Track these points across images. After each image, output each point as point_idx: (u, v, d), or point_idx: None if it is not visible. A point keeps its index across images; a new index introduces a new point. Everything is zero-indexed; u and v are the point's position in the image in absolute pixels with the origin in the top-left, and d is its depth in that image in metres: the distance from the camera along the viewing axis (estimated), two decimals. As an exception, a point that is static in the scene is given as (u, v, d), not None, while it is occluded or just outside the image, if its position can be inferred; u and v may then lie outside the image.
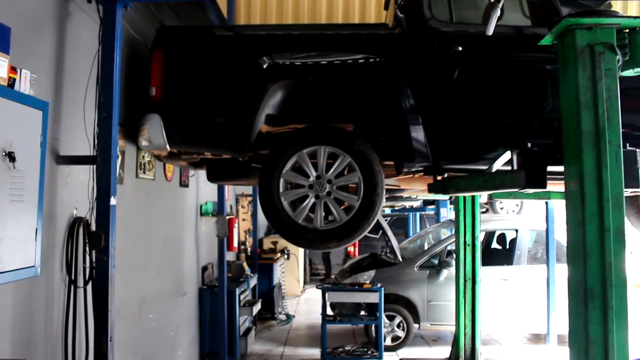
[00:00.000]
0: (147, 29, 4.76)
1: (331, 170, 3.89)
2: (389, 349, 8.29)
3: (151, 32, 4.28)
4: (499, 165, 3.79)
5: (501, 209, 11.30)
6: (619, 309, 2.66)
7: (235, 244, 8.61)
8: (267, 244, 12.11)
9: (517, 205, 11.37)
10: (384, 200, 3.93)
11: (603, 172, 2.76)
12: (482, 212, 11.33)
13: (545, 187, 3.33)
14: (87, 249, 3.57)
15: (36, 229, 2.83)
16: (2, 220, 2.56)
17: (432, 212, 13.23)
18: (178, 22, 5.67)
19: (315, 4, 6.61)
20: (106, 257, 3.37)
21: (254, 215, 10.95)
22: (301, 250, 13.38)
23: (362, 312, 8.21)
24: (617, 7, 6.36)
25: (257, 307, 8.68)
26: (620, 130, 2.80)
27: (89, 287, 3.61)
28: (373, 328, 8.17)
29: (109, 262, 3.37)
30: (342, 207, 3.93)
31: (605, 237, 2.72)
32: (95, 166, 3.45)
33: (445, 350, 7.45)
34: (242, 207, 10.53)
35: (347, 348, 8.13)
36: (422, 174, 4.16)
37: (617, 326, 2.65)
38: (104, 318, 3.36)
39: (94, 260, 3.52)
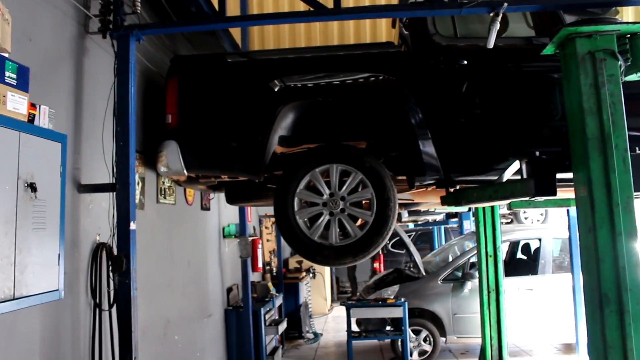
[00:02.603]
0: (162, 59, 4.93)
1: (344, 188, 3.95)
2: (416, 363, 8.26)
3: (166, 62, 4.43)
4: (509, 175, 3.82)
5: (525, 218, 11.21)
6: (636, 312, 2.66)
7: (260, 265, 8.70)
8: (292, 263, 12.16)
9: (541, 214, 11.27)
10: (397, 214, 3.97)
11: (611, 177, 2.78)
12: (507, 223, 11.30)
13: (555, 195, 3.35)
14: (111, 273, 3.68)
15: (59, 255, 2.95)
16: (26, 247, 2.68)
17: (455, 225, 13.15)
18: (192, 51, 5.84)
19: (327, 27, 6.72)
20: (128, 280, 3.48)
21: (277, 236, 11.01)
22: (327, 269, 13.37)
23: (388, 328, 8.19)
24: (627, 12, 6.35)
25: (282, 326, 8.72)
26: (627, 134, 2.81)
27: (114, 309, 3.72)
28: (399, 343, 8.13)
29: (131, 284, 3.49)
30: (356, 223, 3.98)
31: (617, 241, 2.72)
32: (114, 193, 3.58)
33: (474, 363, 7.41)
34: (266, 227, 10.62)
35: (374, 364, 8.13)
36: (434, 187, 4.19)
37: (635, 330, 2.65)
38: (128, 339, 3.46)
39: (117, 283, 3.63)
